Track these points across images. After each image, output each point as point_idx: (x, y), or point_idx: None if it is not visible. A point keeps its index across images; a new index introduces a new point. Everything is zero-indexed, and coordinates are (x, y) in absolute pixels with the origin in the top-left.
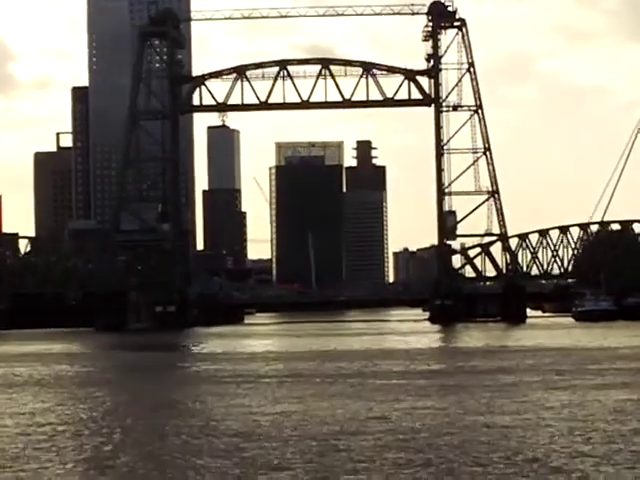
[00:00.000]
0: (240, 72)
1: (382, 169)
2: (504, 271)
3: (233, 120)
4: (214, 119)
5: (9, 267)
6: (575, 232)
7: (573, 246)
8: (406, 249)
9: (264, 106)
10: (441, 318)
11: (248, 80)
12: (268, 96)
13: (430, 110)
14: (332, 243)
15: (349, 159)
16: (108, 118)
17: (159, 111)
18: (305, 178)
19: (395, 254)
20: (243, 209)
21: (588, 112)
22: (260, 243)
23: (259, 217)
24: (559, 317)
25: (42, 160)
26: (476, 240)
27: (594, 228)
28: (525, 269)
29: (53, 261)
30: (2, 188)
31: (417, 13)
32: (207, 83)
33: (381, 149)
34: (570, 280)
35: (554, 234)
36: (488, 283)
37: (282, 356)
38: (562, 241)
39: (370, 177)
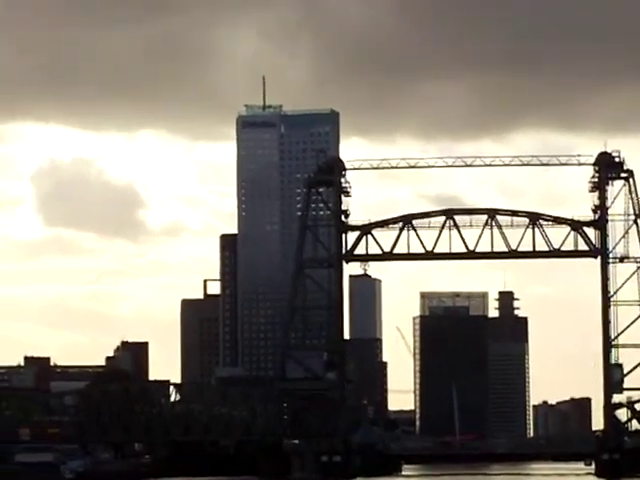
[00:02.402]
0: (407, 221)
1: (524, 320)
2: None
3: (375, 269)
4: (356, 269)
5: (165, 415)
6: None
7: None
8: (545, 402)
9: (430, 255)
10: (609, 472)
11: (415, 229)
12: (434, 246)
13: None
14: (476, 395)
15: (492, 310)
16: (256, 265)
17: (325, 259)
18: (450, 328)
19: (535, 407)
20: (384, 359)
21: None
22: (401, 394)
23: (400, 367)
24: None
25: (189, 307)
26: None
27: None
28: None
29: (205, 409)
30: (149, 335)
31: (584, 164)
32: (373, 232)
33: (523, 300)
34: None
35: None
36: None
37: None
38: None
39: (512, 328)
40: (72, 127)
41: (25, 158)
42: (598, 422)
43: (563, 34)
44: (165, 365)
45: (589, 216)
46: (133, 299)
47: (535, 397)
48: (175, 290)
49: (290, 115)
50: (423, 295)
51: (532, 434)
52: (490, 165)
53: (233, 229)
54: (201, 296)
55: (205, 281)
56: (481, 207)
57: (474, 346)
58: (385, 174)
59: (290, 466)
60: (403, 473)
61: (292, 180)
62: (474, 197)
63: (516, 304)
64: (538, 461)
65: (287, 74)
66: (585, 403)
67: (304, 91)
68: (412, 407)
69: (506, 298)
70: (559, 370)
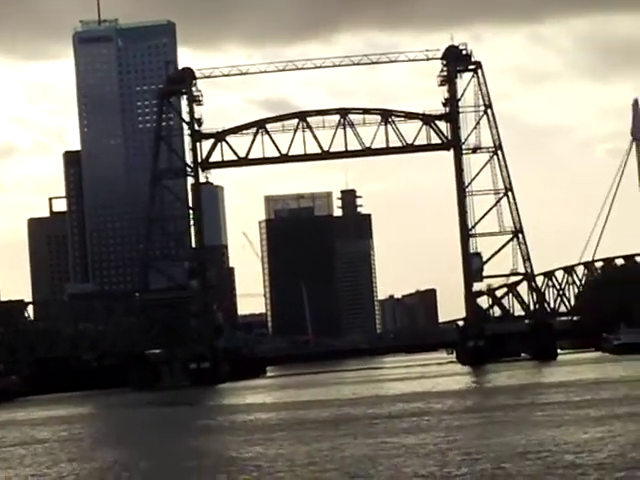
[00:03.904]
0: (260, 126)
1: (367, 217)
2: (531, 310)
3: (216, 177)
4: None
5: (25, 334)
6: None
7: (579, 284)
8: (391, 296)
9: (285, 158)
10: (472, 359)
11: (269, 134)
12: (289, 148)
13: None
14: (325, 294)
15: (336, 210)
16: (101, 180)
17: (181, 169)
18: (296, 230)
19: (382, 302)
20: (231, 265)
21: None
22: (251, 297)
23: (248, 272)
24: (585, 352)
25: (36, 226)
26: (502, 280)
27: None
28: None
29: (67, 326)
30: None
31: (432, 58)
32: (227, 138)
33: (365, 198)
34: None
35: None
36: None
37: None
38: (567, 280)
39: (357, 225)
40: None
41: None
42: (445, 312)
43: None
44: (14, 285)
45: (439, 110)
46: None
47: (382, 292)
48: (17, 210)
49: (126, 28)
50: (267, 198)
51: (380, 329)
52: (320, 67)
53: (70, 146)
54: (47, 214)
55: (50, 199)
56: (330, 108)
57: (321, 246)
58: (214, 83)
59: (159, 375)
60: (268, 375)
61: (132, 93)
62: (303, 100)
63: (359, 202)
64: (390, 354)
65: None
66: (430, 295)
67: (138, 3)
68: (263, 310)
69: (349, 197)
70: (404, 264)
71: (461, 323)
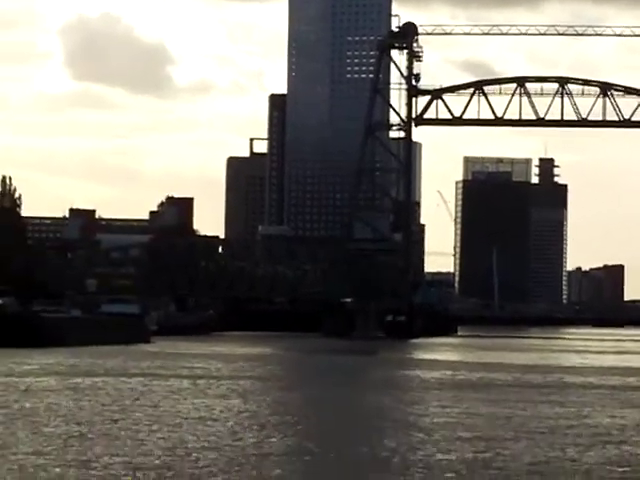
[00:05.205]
0: (478, 87)
1: (564, 187)
2: None
3: (417, 134)
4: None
5: (224, 270)
6: None
7: None
8: (579, 268)
9: (500, 122)
10: None
11: (485, 95)
12: (504, 112)
13: None
14: (516, 259)
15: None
16: (305, 126)
17: (395, 123)
18: (492, 194)
19: (569, 273)
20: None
21: None
22: (440, 256)
23: (440, 231)
24: None
25: (235, 165)
26: None
27: None
28: None
29: (268, 267)
30: (194, 191)
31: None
32: (443, 97)
33: (564, 167)
34: None
35: None
36: None
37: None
38: None
39: (552, 194)
40: None
41: (53, 12)
42: (631, 290)
43: None
44: (208, 222)
45: None
46: (167, 155)
47: (571, 264)
48: (214, 147)
49: None
50: (467, 159)
51: (566, 300)
52: (525, 34)
53: (268, 90)
54: (247, 154)
55: (252, 140)
56: (550, 75)
57: (515, 212)
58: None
59: (353, 324)
60: (459, 334)
61: (344, 42)
62: (503, 65)
63: (556, 171)
64: (574, 326)
65: None
66: (618, 270)
67: None
68: (451, 269)
69: (547, 165)
70: (595, 237)
71: None
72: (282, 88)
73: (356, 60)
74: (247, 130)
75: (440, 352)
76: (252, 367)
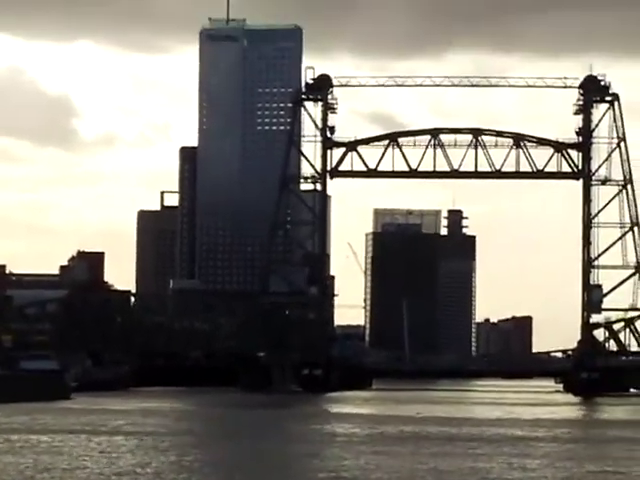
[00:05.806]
0: (392, 139)
1: (473, 238)
2: None
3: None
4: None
5: (139, 325)
6: None
7: None
8: (487, 320)
9: (414, 174)
10: (584, 390)
11: (400, 147)
12: (419, 164)
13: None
14: (426, 312)
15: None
16: (216, 179)
17: (309, 176)
18: (402, 246)
19: (478, 324)
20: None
21: None
22: (350, 309)
23: (350, 283)
24: None
25: (146, 218)
26: (620, 314)
27: None
28: None
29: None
30: (104, 245)
31: (569, 87)
32: (358, 149)
33: (472, 218)
34: None
35: None
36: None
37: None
38: None
39: (461, 246)
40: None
41: None
42: (539, 342)
43: None
44: (118, 276)
45: (572, 138)
46: (75, 209)
47: (479, 315)
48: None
49: (253, 29)
50: (376, 211)
51: (475, 351)
52: (439, 85)
53: (175, 142)
54: (158, 207)
55: (162, 193)
56: (463, 127)
57: (424, 263)
58: None
59: (270, 378)
60: (373, 387)
61: (255, 95)
62: (409, 117)
63: (465, 222)
64: (484, 378)
65: None
66: (526, 322)
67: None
68: (361, 322)
69: (455, 216)
70: (503, 289)
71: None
72: (192, 141)
73: (267, 112)
74: (157, 183)
75: (355, 405)
76: (172, 422)
